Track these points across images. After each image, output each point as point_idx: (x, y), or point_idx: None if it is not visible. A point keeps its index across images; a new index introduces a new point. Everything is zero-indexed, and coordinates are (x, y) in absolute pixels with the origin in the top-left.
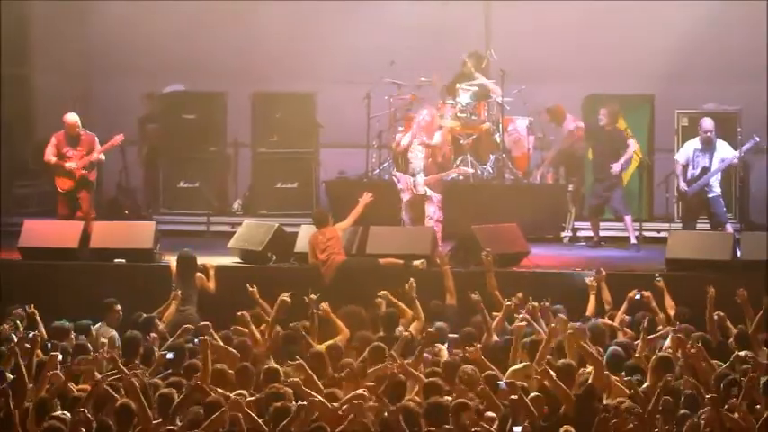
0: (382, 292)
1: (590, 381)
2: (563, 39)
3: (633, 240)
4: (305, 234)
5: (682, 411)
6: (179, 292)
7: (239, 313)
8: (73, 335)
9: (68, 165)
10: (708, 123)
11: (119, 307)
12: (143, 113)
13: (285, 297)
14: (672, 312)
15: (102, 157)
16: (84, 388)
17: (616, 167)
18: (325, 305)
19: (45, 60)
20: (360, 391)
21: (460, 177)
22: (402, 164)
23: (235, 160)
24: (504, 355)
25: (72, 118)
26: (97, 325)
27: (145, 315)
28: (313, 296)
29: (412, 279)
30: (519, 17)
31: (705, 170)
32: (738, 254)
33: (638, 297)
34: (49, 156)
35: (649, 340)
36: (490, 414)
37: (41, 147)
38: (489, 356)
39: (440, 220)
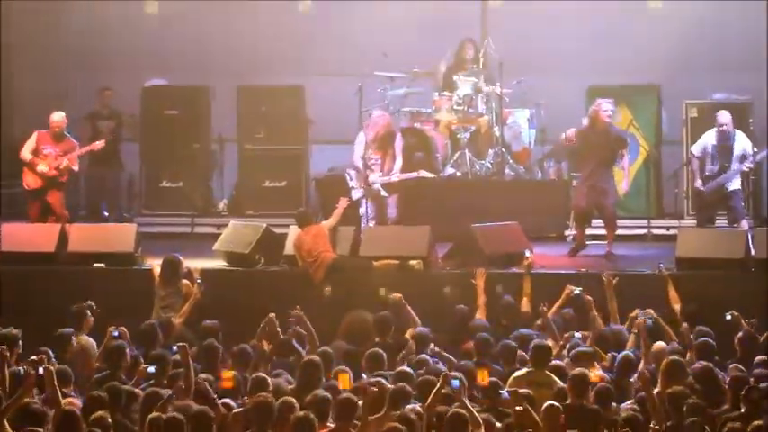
0: (396, 295)
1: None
2: (563, 27)
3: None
4: (294, 235)
5: (690, 419)
6: (196, 289)
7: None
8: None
9: (40, 168)
10: (724, 117)
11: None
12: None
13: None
14: (677, 307)
15: (76, 167)
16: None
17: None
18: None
19: (22, 58)
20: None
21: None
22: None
23: (220, 157)
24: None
25: (58, 116)
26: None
27: (155, 322)
28: (297, 311)
29: (396, 295)
30: (517, 5)
31: (724, 167)
32: (752, 252)
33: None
34: (25, 152)
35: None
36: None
37: (17, 147)
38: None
39: (396, 219)
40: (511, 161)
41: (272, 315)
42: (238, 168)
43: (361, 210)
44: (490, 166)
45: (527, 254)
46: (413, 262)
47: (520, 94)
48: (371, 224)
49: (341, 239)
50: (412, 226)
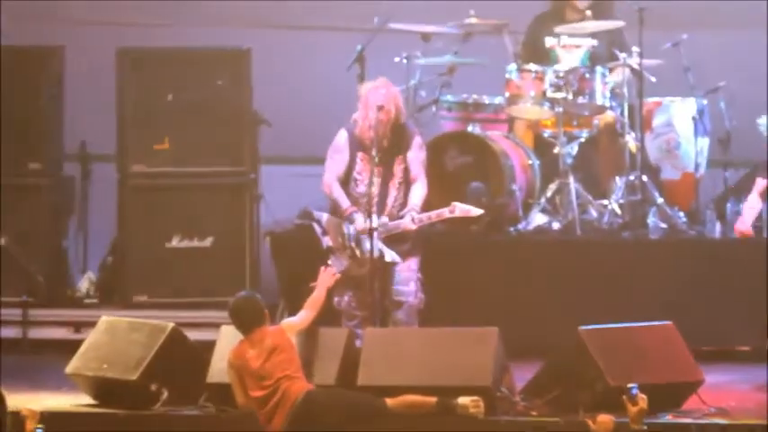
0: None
1: None
2: None
3: None
4: (228, 345)
5: None
6: None
7: None
8: None
9: None
10: None
11: None
12: None
13: None
14: None
15: None
16: None
17: None
18: None
19: None
20: None
21: (453, 214)
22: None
23: (81, 191)
24: None
25: None
26: None
27: None
28: None
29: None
30: None
31: None
32: None
33: None
34: None
35: None
36: None
37: None
38: None
39: (420, 307)
40: (660, 200)
41: None
42: (117, 212)
43: (337, 300)
44: (618, 210)
45: (633, 390)
46: (464, 400)
47: (678, 68)
48: (356, 312)
49: (322, 354)
50: (460, 328)
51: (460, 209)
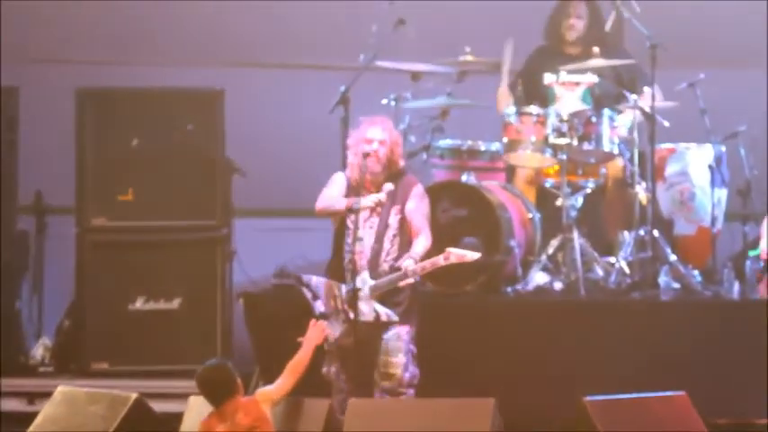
0: None
1: None
2: None
3: None
4: (197, 417)
5: None
6: None
7: None
8: None
9: None
10: None
11: None
12: None
13: None
14: None
15: None
16: None
17: None
18: None
19: None
20: None
21: (450, 260)
22: (337, 253)
23: (37, 246)
24: None
25: None
26: None
27: None
28: None
29: None
30: None
31: None
32: None
33: None
34: None
35: None
36: None
37: None
38: None
39: (413, 383)
40: (672, 258)
41: None
42: (76, 271)
43: (326, 369)
44: (627, 268)
45: None
46: None
47: (693, 111)
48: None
49: (302, 427)
50: (452, 398)
51: (456, 255)
